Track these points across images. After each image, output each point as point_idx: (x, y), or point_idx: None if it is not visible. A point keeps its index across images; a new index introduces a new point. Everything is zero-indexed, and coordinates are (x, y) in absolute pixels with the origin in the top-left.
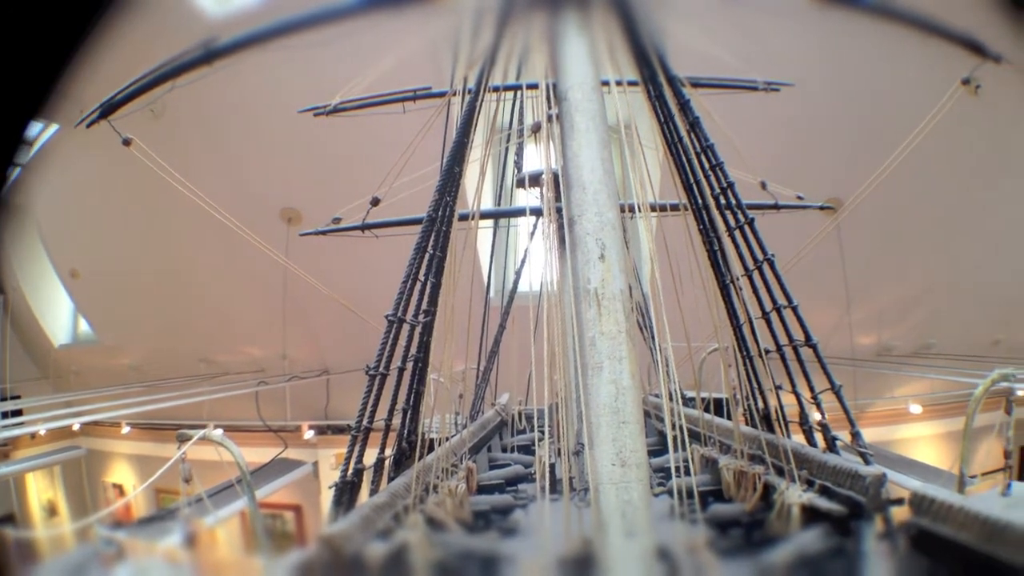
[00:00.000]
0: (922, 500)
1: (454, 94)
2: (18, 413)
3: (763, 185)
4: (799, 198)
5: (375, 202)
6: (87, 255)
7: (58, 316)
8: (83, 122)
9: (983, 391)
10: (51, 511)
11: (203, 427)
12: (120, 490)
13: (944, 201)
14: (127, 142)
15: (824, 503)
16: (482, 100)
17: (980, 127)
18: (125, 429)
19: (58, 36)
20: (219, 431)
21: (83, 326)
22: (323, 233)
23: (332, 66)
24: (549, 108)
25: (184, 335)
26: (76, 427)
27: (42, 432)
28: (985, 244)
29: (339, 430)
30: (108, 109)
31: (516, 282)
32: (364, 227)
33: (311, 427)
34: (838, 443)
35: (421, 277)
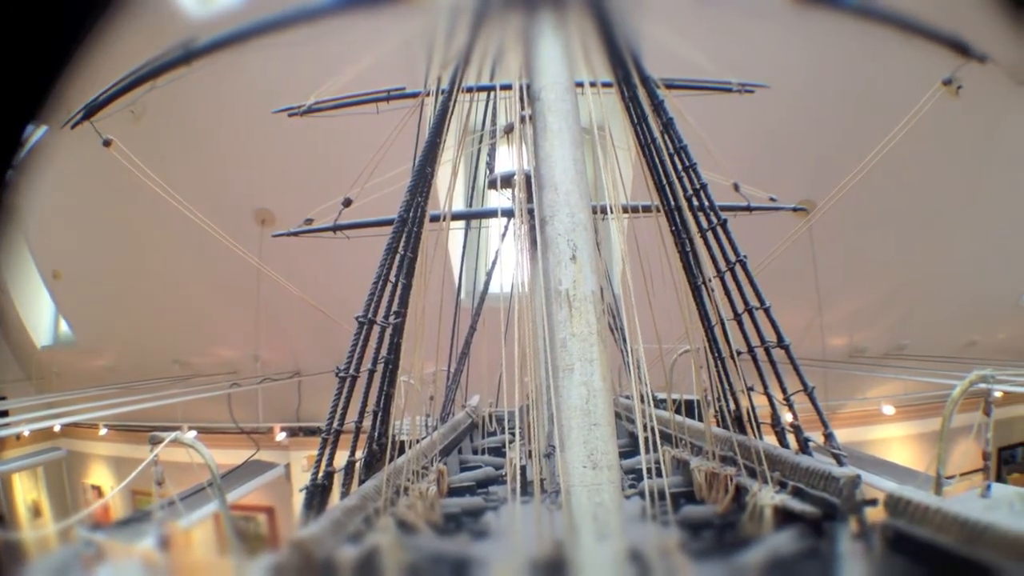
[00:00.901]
0: (898, 502)
1: (427, 94)
2: (4, 414)
3: (736, 187)
4: (772, 200)
5: (347, 203)
6: (68, 256)
7: (41, 317)
8: (67, 123)
9: (961, 392)
10: (36, 512)
11: (177, 429)
12: (99, 491)
13: (918, 203)
14: (107, 143)
15: (797, 504)
16: (455, 100)
17: (958, 128)
18: (102, 431)
19: (54, 41)
20: (192, 433)
21: (63, 327)
22: (295, 234)
23: (309, 67)
24: (522, 109)
25: (158, 336)
26: (57, 428)
27: (26, 433)
28: (960, 246)
29: (311, 432)
30: (91, 110)
31: (487, 283)
32: (335, 228)
33: (283, 429)
34: (810, 444)
35: (392, 278)
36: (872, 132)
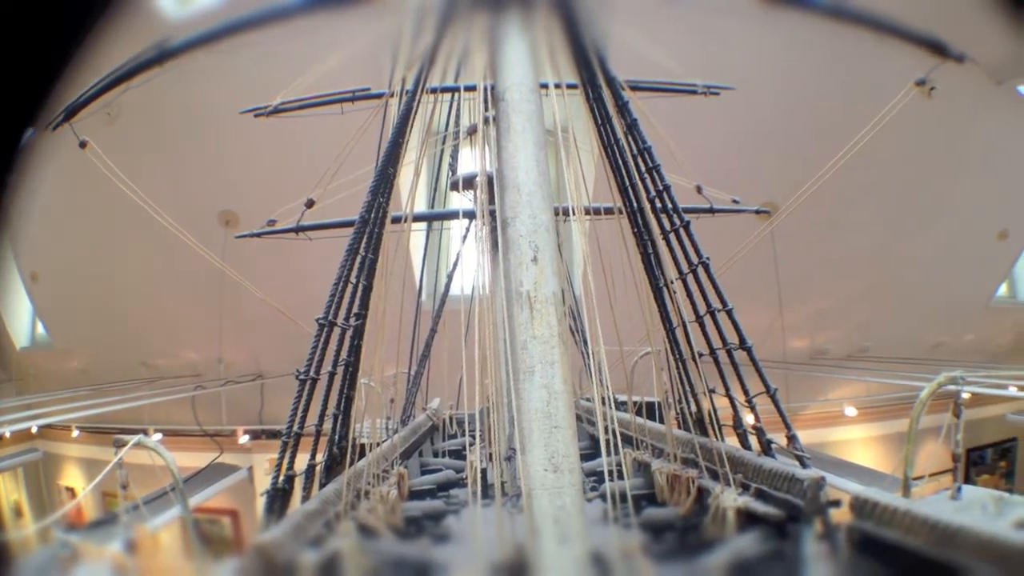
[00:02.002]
0: (864, 503)
1: (392, 95)
2: None
3: (699, 189)
4: (735, 202)
5: (309, 204)
6: (46, 257)
7: (21, 319)
8: (49, 125)
9: (929, 394)
10: (18, 512)
11: (143, 431)
12: (72, 493)
13: (885, 205)
14: (83, 144)
15: (760, 506)
16: (419, 101)
17: (929, 130)
18: (75, 433)
19: (55, 43)
20: (158, 436)
21: (39, 329)
22: (257, 235)
23: (278, 68)
24: (486, 110)
25: (127, 338)
26: (34, 430)
27: (7, 435)
28: (928, 247)
29: (273, 435)
30: (71, 111)
31: (448, 285)
32: (298, 229)
33: (246, 432)
34: (773, 446)
35: (352, 280)
36: (838, 134)
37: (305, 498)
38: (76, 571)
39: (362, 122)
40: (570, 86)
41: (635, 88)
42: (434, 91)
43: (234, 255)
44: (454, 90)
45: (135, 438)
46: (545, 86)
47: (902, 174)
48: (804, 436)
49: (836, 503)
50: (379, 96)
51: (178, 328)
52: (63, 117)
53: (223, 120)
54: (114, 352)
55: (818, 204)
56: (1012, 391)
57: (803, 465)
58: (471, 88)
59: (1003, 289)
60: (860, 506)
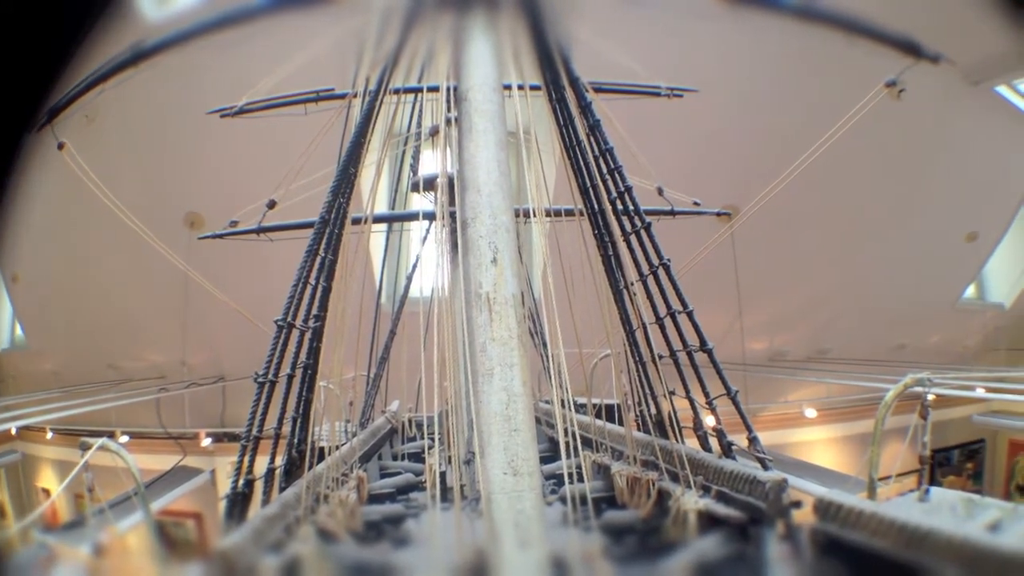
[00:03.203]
0: (828, 506)
1: (355, 95)
2: None
3: (660, 191)
4: (696, 204)
5: (271, 205)
6: (25, 258)
7: (2, 322)
8: (33, 127)
9: (895, 395)
10: (1, 513)
11: (111, 434)
12: (48, 494)
13: (850, 207)
14: (60, 146)
15: (722, 509)
16: (381, 101)
17: (893, 132)
18: (49, 435)
19: (54, 46)
20: (125, 438)
21: (18, 331)
22: (219, 236)
23: (245, 68)
24: (449, 111)
25: (96, 341)
26: (14, 431)
27: None
28: (893, 250)
29: (235, 437)
30: (52, 113)
31: (407, 287)
32: (259, 230)
33: (208, 434)
34: (734, 448)
35: (312, 281)
36: (802, 136)
37: (265, 502)
38: (54, 572)
39: (326, 123)
40: (533, 87)
41: (598, 90)
42: (397, 92)
43: (200, 257)
44: (417, 91)
45: (100, 441)
46: (508, 87)
47: (868, 175)
48: (763, 438)
49: (798, 504)
50: (343, 96)
51: (144, 330)
52: (46, 119)
53: (192, 121)
54: (84, 354)
55: (780, 206)
56: (980, 392)
57: (764, 467)
58: (434, 89)
59: (971, 290)
60: (824, 508)
